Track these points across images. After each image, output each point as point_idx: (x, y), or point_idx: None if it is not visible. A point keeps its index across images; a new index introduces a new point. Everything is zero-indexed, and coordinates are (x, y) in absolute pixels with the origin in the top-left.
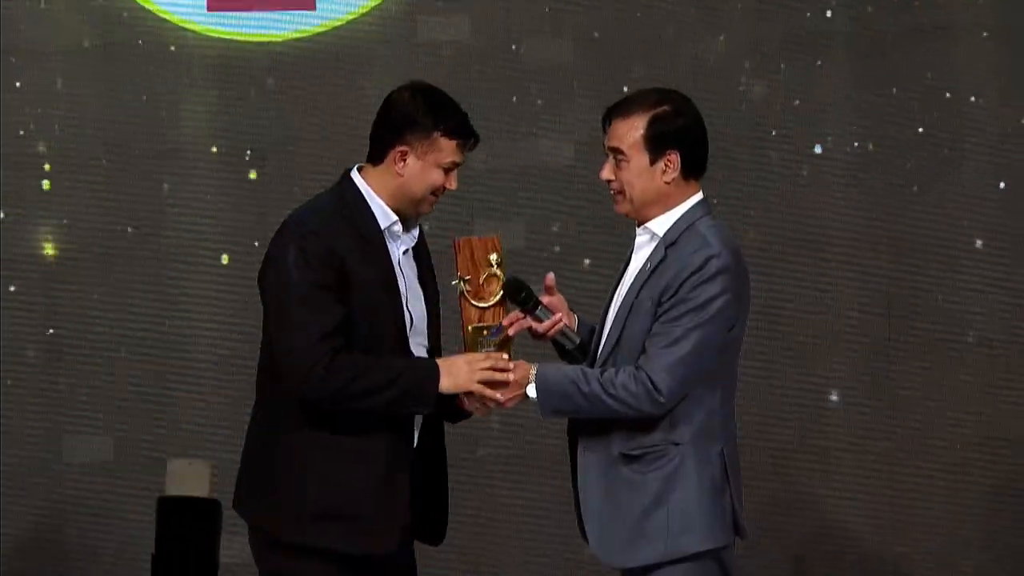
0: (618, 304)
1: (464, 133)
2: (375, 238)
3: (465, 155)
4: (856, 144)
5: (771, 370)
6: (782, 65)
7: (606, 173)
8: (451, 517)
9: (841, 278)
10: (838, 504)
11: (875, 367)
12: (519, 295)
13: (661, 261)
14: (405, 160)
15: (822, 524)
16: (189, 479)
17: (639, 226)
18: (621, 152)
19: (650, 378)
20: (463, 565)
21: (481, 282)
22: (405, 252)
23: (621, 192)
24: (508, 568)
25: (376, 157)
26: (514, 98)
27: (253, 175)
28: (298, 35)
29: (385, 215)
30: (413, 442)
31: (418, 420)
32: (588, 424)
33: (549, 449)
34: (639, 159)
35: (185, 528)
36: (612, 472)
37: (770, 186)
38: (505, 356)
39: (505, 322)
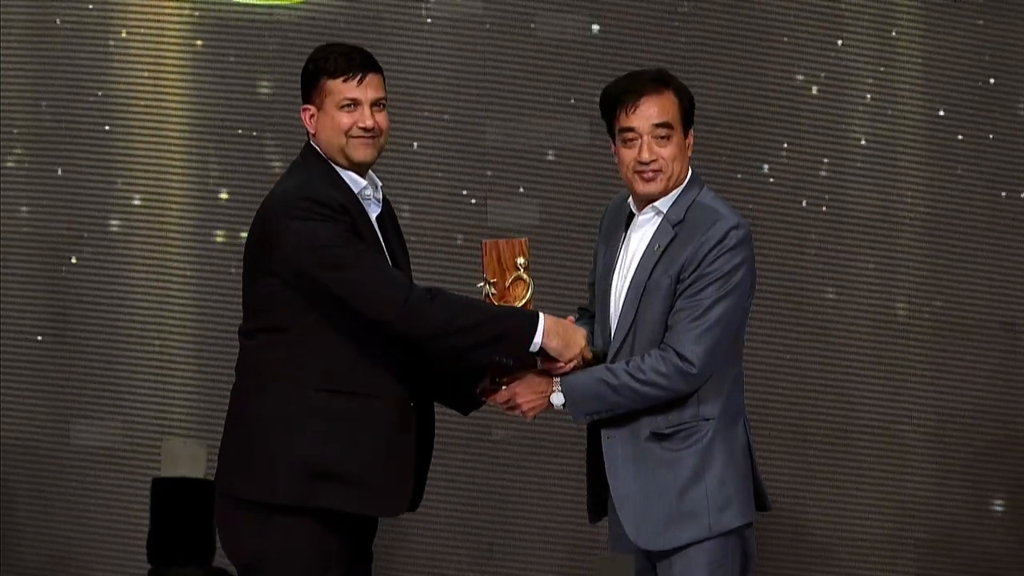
0: (625, 287)
1: (344, 68)
2: (354, 202)
3: (369, 90)
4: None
5: (790, 350)
6: (808, 44)
7: (647, 153)
8: (466, 499)
9: (862, 257)
10: (856, 486)
11: (894, 347)
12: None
13: (672, 240)
14: (313, 117)
15: (839, 506)
16: (184, 460)
17: (641, 204)
18: (669, 127)
19: (679, 354)
20: (478, 547)
21: (507, 285)
22: (377, 218)
23: (661, 170)
24: (523, 550)
25: (307, 130)
26: (528, 75)
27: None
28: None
29: (354, 181)
30: (413, 406)
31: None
32: None
33: (564, 432)
34: (679, 135)
35: (180, 509)
36: (643, 453)
37: (792, 168)
38: None
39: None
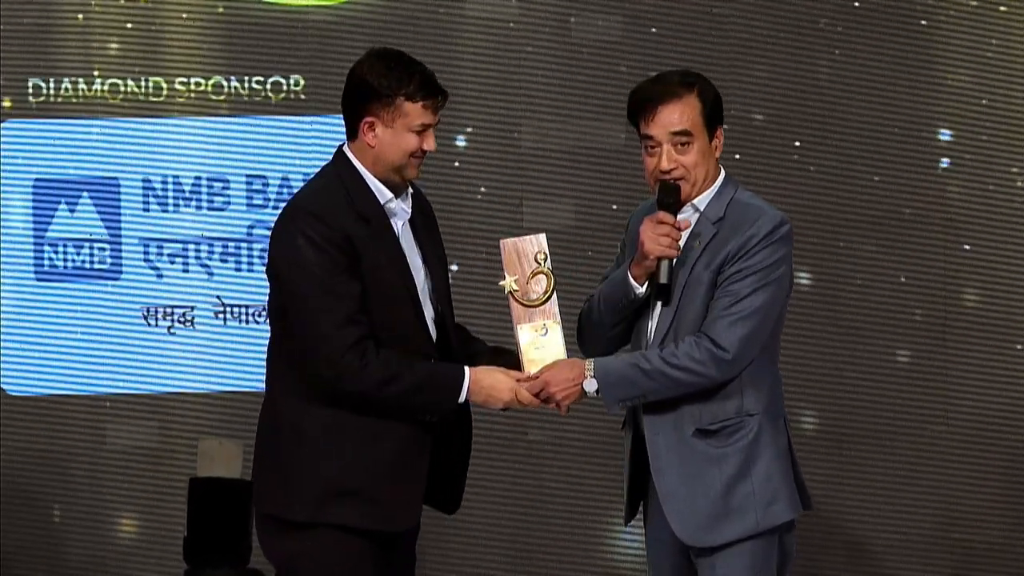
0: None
1: (427, 93)
2: (377, 216)
3: (437, 114)
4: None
5: (825, 350)
6: (837, 44)
7: (667, 162)
8: (503, 500)
9: (899, 258)
10: (892, 487)
11: (932, 349)
12: (670, 199)
13: (713, 237)
14: (374, 130)
15: (875, 507)
16: (220, 460)
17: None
18: (688, 134)
19: (713, 340)
20: (514, 548)
21: (528, 281)
22: (403, 225)
23: (682, 178)
24: (559, 551)
25: (350, 133)
26: (564, 77)
27: None
28: (339, 3)
29: (380, 192)
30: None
31: None
32: (654, 405)
33: (600, 432)
34: (702, 139)
35: (217, 509)
36: (688, 450)
37: (830, 165)
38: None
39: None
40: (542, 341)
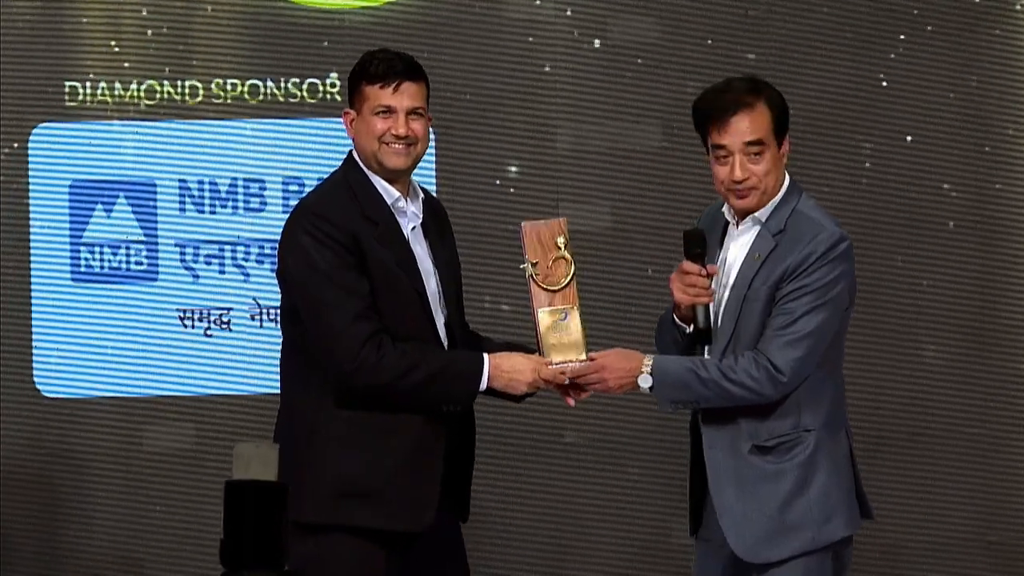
0: (725, 296)
1: (379, 75)
2: (384, 216)
3: (401, 97)
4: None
5: (863, 353)
6: (874, 44)
7: (740, 172)
8: (538, 503)
9: (935, 261)
10: (929, 489)
11: (968, 351)
12: (696, 248)
13: (773, 249)
14: (352, 123)
15: (912, 509)
16: (256, 463)
17: (740, 215)
18: (761, 143)
19: (770, 360)
20: (551, 551)
21: (549, 265)
22: (413, 229)
23: (754, 187)
24: (596, 554)
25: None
26: (601, 78)
27: None
28: (380, 4)
29: (387, 191)
30: (446, 418)
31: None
32: (712, 419)
33: (636, 435)
34: (772, 148)
35: (252, 512)
36: (745, 466)
37: (860, 168)
38: (572, 359)
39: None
40: (561, 326)
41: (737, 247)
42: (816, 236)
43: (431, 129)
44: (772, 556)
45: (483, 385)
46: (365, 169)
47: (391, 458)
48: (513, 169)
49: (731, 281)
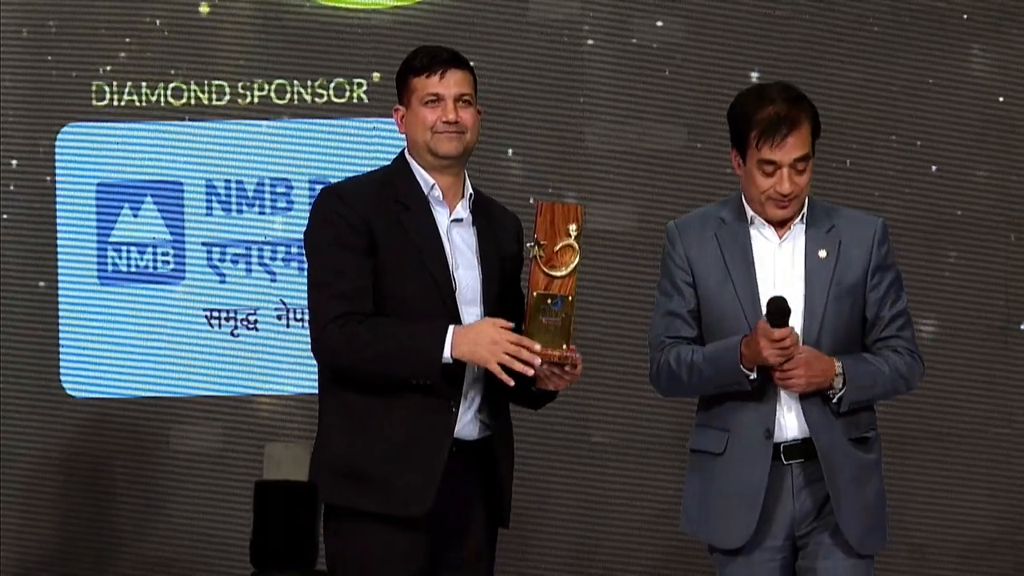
0: (800, 302)
1: (424, 65)
2: (416, 203)
3: (448, 85)
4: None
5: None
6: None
7: (789, 186)
8: (565, 502)
9: (963, 261)
10: (954, 489)
11: (993, 351)
12: (782, 321)
13: (839, 244)
14: (403, 119)
15: (937, 509)
16: (287, 463)
17: (777, 223)
18: (808, 158)
19: (907, 348)
20: (579, 551)
21: (556, 250)
22: (456, 220)
23: (797, 197)
24: (623, 554)
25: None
26: (626, 78)
27: None
28: (401, 4)
29: (425, 181)
30: (456, 406)
31: (473, 398)
32: (815, 409)
33: (663, 435)
34: (811, 159)
35: (283, 512)
36: (850, 459)
37: (884, 170)
38: (553, 348)
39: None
40: (551, 311)
41: (784, 252)
42: (863, 223)
43: None
44: (873, 549)
45: (447, 353)
46: (411, 159)
47: (387, 442)
48: (539, 169)
49: (798, 283)
